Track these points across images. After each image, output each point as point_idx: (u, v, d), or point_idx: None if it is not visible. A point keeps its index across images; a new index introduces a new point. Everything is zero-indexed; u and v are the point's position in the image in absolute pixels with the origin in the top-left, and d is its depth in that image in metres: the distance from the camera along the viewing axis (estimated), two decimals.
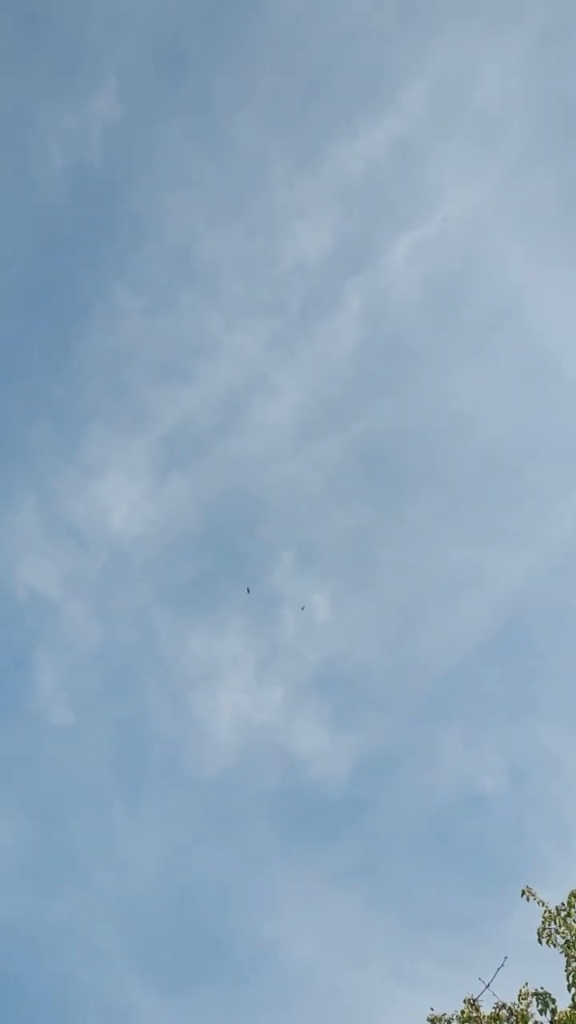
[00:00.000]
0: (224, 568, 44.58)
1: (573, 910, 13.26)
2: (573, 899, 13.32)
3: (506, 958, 10.50)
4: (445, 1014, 11.70)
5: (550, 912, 13.34)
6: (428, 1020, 12.19)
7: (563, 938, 13.13)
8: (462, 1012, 10.77)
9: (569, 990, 12.60)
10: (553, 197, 44.47)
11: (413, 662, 41.65)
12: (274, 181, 47.78)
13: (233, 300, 46.82)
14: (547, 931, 13.31)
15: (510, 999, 12.71)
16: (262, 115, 48.09)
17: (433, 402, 46.61)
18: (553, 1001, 12.62)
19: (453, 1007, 12.22)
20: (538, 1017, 12.63)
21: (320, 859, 36.59)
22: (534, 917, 13.52)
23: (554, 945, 13.23)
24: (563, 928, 13.20)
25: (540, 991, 12.68)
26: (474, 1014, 10.72)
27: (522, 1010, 12.59)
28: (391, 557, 44.16)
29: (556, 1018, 12.50)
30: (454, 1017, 11.45)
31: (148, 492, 44.86)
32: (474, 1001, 10.74)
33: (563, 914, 13.25)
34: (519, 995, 12.95)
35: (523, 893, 13.63)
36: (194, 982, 34.35)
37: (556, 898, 13.65)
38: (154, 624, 41.94)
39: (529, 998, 12.74)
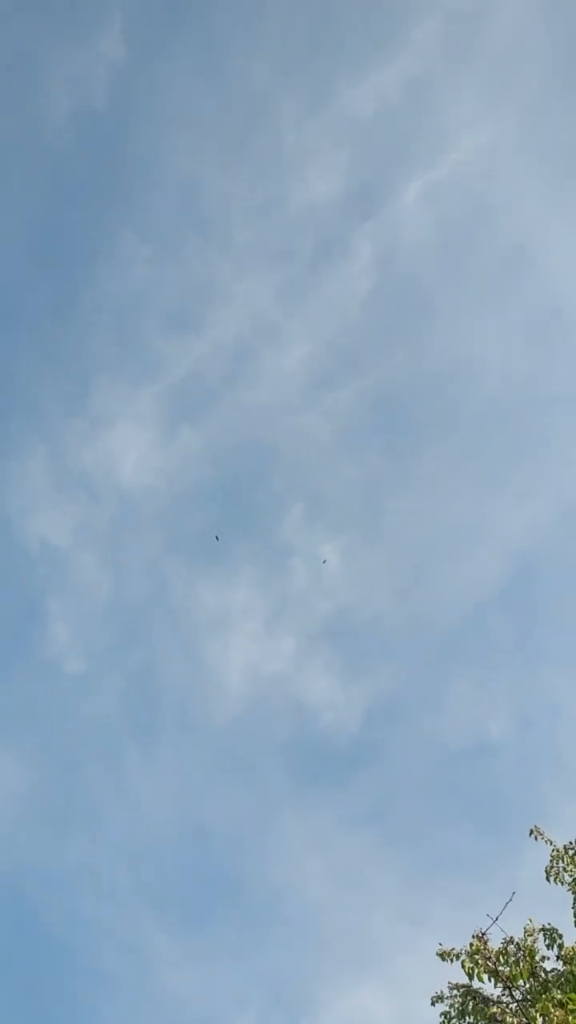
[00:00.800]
0: (234, 519, 44.67)
1: None
2: None
3: (514, 893, 10.65)
4: (454, 948, 11.88)
5: (558, 851, 13.49)
6: (437, 955, 12.37)
7: (570, 876, 13.29)
8: (471, 945, 10.92)
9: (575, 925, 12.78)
10: (570, 138, 43.70)
11: (422, 612, 41.84)
12: (283, 123, 47.02)
13: (242, 246, 46.31)
14: (555, 869, 13.47)
15: (518, 936, 12.90)
16: (270, 55, 47.24)
17: (445, 350, 46.24)
18: (560, 937, 12.79)
19: (462, 946, 12.40)
20: (545, 952, 12.82)
21: (331, 804, 37.05)
22: (541, 858, 13.69)
23: (561, 883, 13.39)
24: (570, 866, 13.36)
25: (547, 927, 12.84)
26: (482, 948, 10.86)
27: (529, 946, 12.77)
28: (401, 507, 44.14)
29: (562, 953, 12.68)
30: (463, 951, 11.63)
31: (157, 443, 44.79)
32: (483, 935, 10.88)
33: (571, 852, 13.41)
34: (526, 931, 13.14)
35: (531, 832, 13.77)
36: (208, 922, 35.01)
37: (563, 839, 13.82)
38: (165, 574, 42.15)
39: (536, 934, 12.92)
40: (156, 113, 47.84)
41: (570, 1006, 9.79)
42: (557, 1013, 8.96)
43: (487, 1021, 10.72)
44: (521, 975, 11.63)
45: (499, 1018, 9.74)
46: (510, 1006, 11.20)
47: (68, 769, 39.07)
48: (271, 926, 33.68)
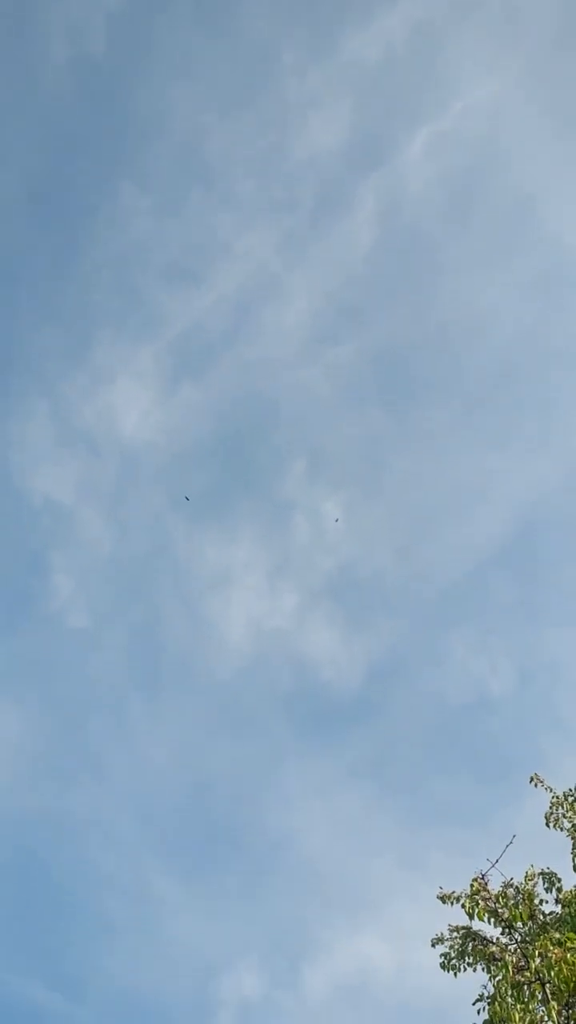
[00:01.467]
0: (236, 475, 44.66)
1: None
2: None
3: (514, 837, 10.85)
4: (454, 891, 12.08)
5: (557, 798, 13.72)
6: (438, 898, 12.59)
7: (569, 822, 13.53)
8: (472, 886, 11.14)
9: (574, 870, 13.01)
10: None
11: (424, 569, 41.95)
12: (285, 71, 46.21)
13: (243, 198, 45.71)
14: (554, 815, 13.71)
15: (517, 880, 13.14)
16: (272, 1, 46.39)
17: (449, 305, 45.85)
18: (559, 881, 13.04)
19: (462, 889, 12.60)
20: (544, 896, 13.06)
21: (332, 756, 37.50)
22: (537, 808, 13.91)
23: (560, 829, 13.64)
24: (569, 812, 13.59)
25: (546, 871, 13.08)
26: (483, 889, 11.07)
27: (528, 889, 13.01)
28: (403, 465, 44.03)
29: (561, 896, 12.93)
30: (463, 895, 11.84)
31: (159, 399, 44.65)
32: (483, 878, 11.09)
33: (570, 799, 13.63)
34: (526, 876, 13.38)
35: (531, 779, 13.99)
36: (211, 869, 35.60)
37: (562, 788, 14.04)
38: (167, 530, 42.27)
39: (536, 878, 13.16)
40: (156, 62, 47.12)
41: (568, 944, 10.02)
42: (555, 951, 9.17)
43: (486, 960, 10.96)
44: (520, 917, 11.86)
45: (498, 956, 9.97)
46: (509, 946, 11.44)
47: (73, 722, 39.57)
48: (272, 873, 34.29)
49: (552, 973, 8.93)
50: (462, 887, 12.83)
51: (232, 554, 42.37)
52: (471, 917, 11.09)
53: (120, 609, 42.20)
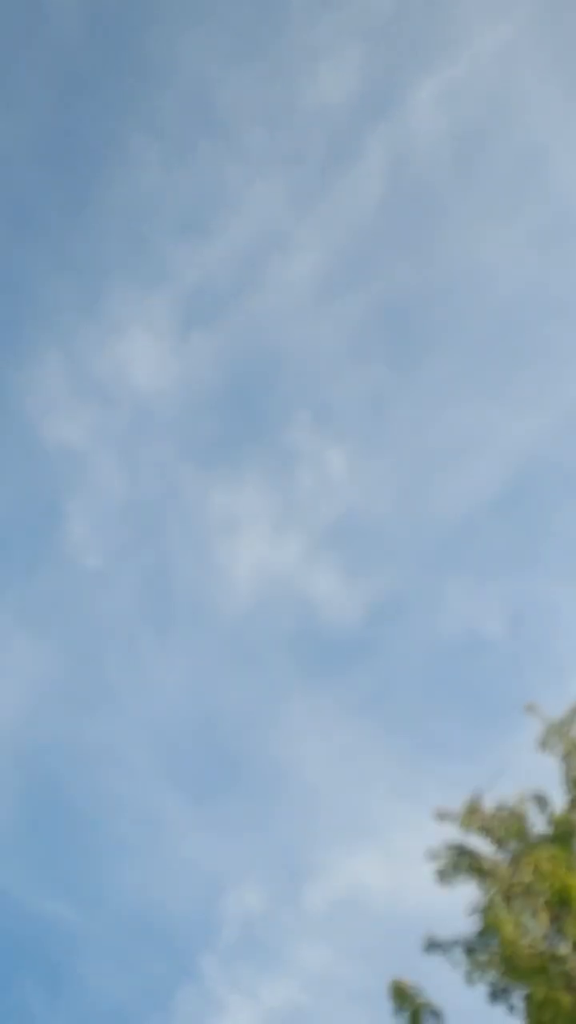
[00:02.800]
0: (244, 425, 44.96)
1: (573, 724, 14.29)
2: (573, 716, 14.33)
3: (505, 765, 11.44)
4: (451, 809, 12.71)
5: (553, 725, 14.37)
6: (435, 816, 13.25)
7: (563, 748, 14.19)
8: (468, 804, 11.79)
9: (569, 792, 13.70)
10: None
11: (424, 517, 42.40)
12: (295, 16, 45.45)
13: (252, 150, 45.20)
14: (548, 742, 14.37)
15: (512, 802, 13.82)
16: None
17: (456, 258, 45.47)
18: (547, 803, 13.71)
19: (457, 808, 13.24)
20: (535, 818, 13.76)
21: (333, 693, 38.45)
22: (527, 742, 14.56)
23: (554, 754, 14.31)
24: (563, 738, 14.25)
25: (538, 794, 13.75)
26: (477, 807, 11.72)
27: (520, 811, 13.70)
28: (406, 416, 44.10)
29: (551, 818, 13.62)
30: (459, 812, 12.45)
31: (170, 350, 44.74)
32: (478, 796, 11.73)
33: (563, 727, 14.27)
34: (519, 799, 14.08)
35: (527, 708, 14.62)
36: (218, 796, 36.89)
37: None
38: (177, 477, 42.80)
39: (528, 800, 13.84)
40: (165, 9, 46.37)
41: (556, 858, 10.68)
42: (547, 865, 9.82)
43: (479, 874, 11.64)
44: (512, 835, 12.57)
45: (491, 869, 10.65)
46: (501, 862, 12.13)
47: (88, 657, 40.78)
48: (275, 800, 35.50)
49: (545, 885, 9.56)
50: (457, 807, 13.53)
51: (239, 501, 42.99)
52: (465, 830, 11.75)
53: (132, 551, 43.09)
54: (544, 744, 14.33)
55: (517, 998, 11.37)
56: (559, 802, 13.90)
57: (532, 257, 43.98)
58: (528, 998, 10.24)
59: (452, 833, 13.12)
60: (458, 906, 13.20)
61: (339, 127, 44.48)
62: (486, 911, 10.26)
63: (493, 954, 10.55)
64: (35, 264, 45.68)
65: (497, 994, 11.82)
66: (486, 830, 11.86)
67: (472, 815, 11.64)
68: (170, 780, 36.58)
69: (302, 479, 43.25)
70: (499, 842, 13.64)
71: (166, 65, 45.46)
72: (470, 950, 11.72)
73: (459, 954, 11.89)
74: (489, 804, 13.50)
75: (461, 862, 12.89)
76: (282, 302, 44.83)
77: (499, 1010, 11.70)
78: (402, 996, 10.35)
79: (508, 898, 10.22)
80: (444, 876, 12.95)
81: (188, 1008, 29.78)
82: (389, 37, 44.23)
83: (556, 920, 10.43)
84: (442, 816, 13.15)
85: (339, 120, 44.48)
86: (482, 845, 13.28)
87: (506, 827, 12.15)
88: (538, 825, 13.74)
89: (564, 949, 10.49)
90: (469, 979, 10.75)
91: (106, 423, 44.04)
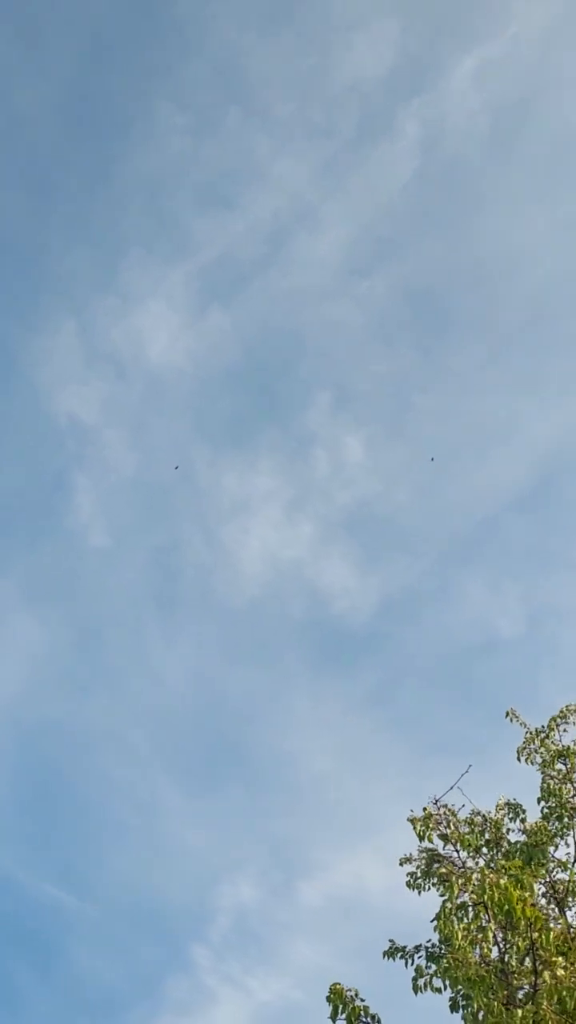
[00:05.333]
0: (260, 405, 44.59)
1: (552, 733, 14.12)
2: (552, 723, 14.16)
3: (470, 766, 11.30)
4: (416, 815, 12.55)
5: (531, 733, 14.21)
6: (408, 820, 13.13)
7: (540, 757, 14.02)
8: (424, 810, 11.67)
9: (538, 803, 13.54)
10: None
11: (444, 508, 41.98)
12: None
13: (281, 121, 44.54)
14: (527, 750, 14.21)
15: (486, 809, 13.68)
16: None
17: (488, 241, 44.91)
18: (524, 811, 13.56)
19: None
20: (510, 825, 13.62)
21: (340, 685, 38.27)
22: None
23: (532, 763, 14.15)
24: (541, 748, 14.08)
25: (512, 802, 13.61)
26: (435, 813, 11.59)
27: (497, 820, 13.56)
28: (429, 403, 43.55)
29: (526, 827, 13.47)
30: (418, 818, 12.26)
31: (187, 324, 44.34)
32: (436, 803, 11.60)
33: (541, 736, 14.10)
34: (497, 806, 13.94)
35: (507, 714, 14.47)
36: (218, 786, 36.81)
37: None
38: (190, 456, 42.42)
39: (502, 809, 13.70)
40: None
41: (511, 871, 10.54)
42: (491, 876, 9.69)
43: (440, 881, 11.52)
44: (469, 841, 12.44)
45: (446, 878, 10.54)
46: (461, 869, 12.01)
47: (92, 637, 40.57)
48: (276, 793, 35.41)
49: (486, 896, 9.44)
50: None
51: (253, 483, 42.62)
52: (420, 839, 11.63)
53: (140, 531, 42.76)
54: (523, 753, 14.21)
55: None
56: (533, 812, 13.82)
57: (568, 243, 43.26)
58: (467, 1008, 10.14)
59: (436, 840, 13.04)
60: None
61: (372, 101, 43.86)
62: (440, 920, 10.14)
63: (446, 963, 10.43)
64: (54, 231, 45.28)
65: (456, 1004, 11.73)
66: (443, 836, 11.72)
67: (427, 822, 11.50)
68: (170, 767, 36.59)
69: (318, 464, 42.90)
70: (474, 850, 13.55)
71: (196, 32, 44.81)
72: (431, 957, 11.63)
73: (421, 961, 11.80)
74: (466, 811, 13.44)
75: (431, 869, 12.80)
76: (306, 280, 44.33)
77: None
78: (340, 1000, 10.27)
79: (462, 906, 10.09)
80: (415, 882, 12.87)
81: (178, 997, 29.85)
82: (428, 11, 43.59)
83: (504, 929, 10.31)
84: (414, 821, 13.05)
85: (373, 94, 43.84)
86: (462, 853, 13.21)
87: (468, 836, 12.01)
88: (513, 831, 13.68)
89: (513, 963, 10.36)
90: (415, 987, 10.65)
91: (118, 397, 43.73)
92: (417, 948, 11.71)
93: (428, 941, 11.70)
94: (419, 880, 12.80)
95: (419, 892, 12.84)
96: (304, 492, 42.67)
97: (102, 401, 43.67)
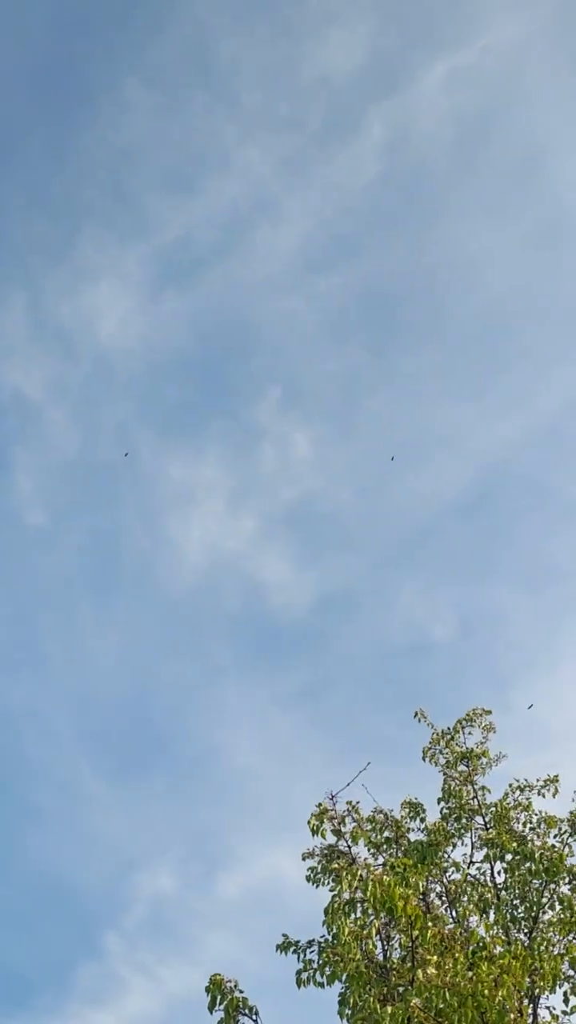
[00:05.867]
0: (209, 395, 44.26)
1: (457, 735, 14.30)
2: (459, 725, 14.34)
3: (368, 763, 11.39)
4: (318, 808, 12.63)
5: (437, 734, 14.37)
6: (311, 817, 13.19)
7: (444, 758, 14.19)
8: (318, 806, 11.75)
9: (438, 803, 13.71)
10: None
11: (386, 511, 42.07)
12: None
13: (249, 109, 44.14)
14: (432, 751, 14.38)
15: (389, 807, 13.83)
16: None
17: (445, 250, 44.95)
18: (424, 811, 13.72)
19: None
20: (411, 824, 13.77)
21: (271, 680, 38.35)
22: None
23: (436, 764, 14.32)
24: (447, 749, 14.25)
25: (413, 801, 13.75)
26: (329, 810, 11.68)
27: (398, 819, 13.71)
28: (378, 405, 43.56)
29: (426, 826, 13.64)
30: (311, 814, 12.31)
31: (141, 306, 43.91)
32: (331, 799, 11.68)
33: (447, 737, 14.27)
34: (401, 804, 14.09)
35: (416, 715, 14.62)
36: (142, 773, 36.75)
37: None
38: (135, 441, 41.97)
39: (404, 808, 13.85)
40: None
41: (397, 868, 10.67)
42: (375, 873, 9.79)
43: (332, 875, 11.61)
44: (368, 837, 12.60)
45: (338, 874, 10.62)
46: (351, 865, 12.13)
47: (21, 616, 40.17)
48: (201, 784, 35.42)
49: (369, 892, 9.54)
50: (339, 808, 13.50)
51: (197, 473, 42.44)
52: (314, 834, 11.72)
53: (79, 512, 42.23)
54: (427, 753, 14.37)
55: None
56: (433, 812, 13.98)
57: (524, 257, 43.66)
58: (344, 1002, 10.25)
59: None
60: None
61: (341, 98, 43.72)
62: (328, 915, 10.22)
63: (325, 959, 10.53)
64: (10, 198, 44.50)
65: (345, 999, 11.84)
66: (336, 832, 11.82)
67: (321, 818, 11.58)
68: (93, 752, 36.43)
69: (264, 458, 42.88)
70: (375, 847, 13.69)
71: (168, 9, 44.26)
72: (322, 951, 11.72)
73: (312, 955, 11.89)
74: (368, 809, 13.56)
75: (329, 864, 12.90)
76: (263, 272, 44.16)
77: None
78: (219, 991, 10.33)
79: (350, 902, 10.18)
80: (313, 876, 12.97)
81: (88, 984, 29.76)
82: (403, 13, 43.56)
83: (388, 925, 10.44)
84: (317, 816, 13.12)
85: (342, 91, 43.72)
86: (364, 851, 13.34)
87: (358, 832, 12.14)
88: (414, 830, 13.83)
89: (394, 960, 10.49)
90: (298, 981, 10.73)
91: (65, 375, 43.20)
92: (310, 943, 11.80)
93: (321, 936, 11.82)
94: (318, 875, 12.91)
95: (317, 886, 12.96)
96: (249, 485, 42.64)
97: (48, 378, 43.13)
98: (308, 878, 13.01)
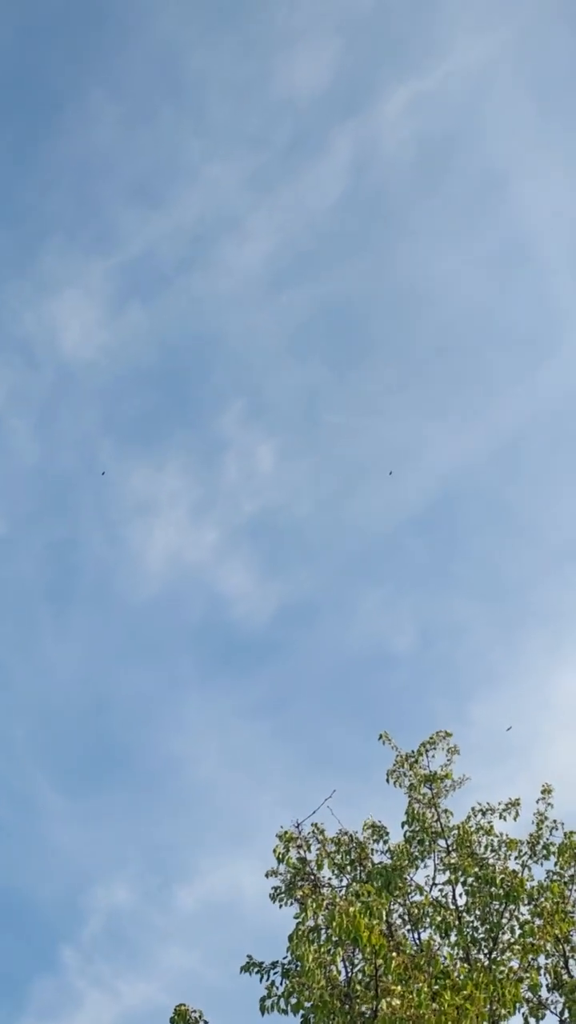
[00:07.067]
0: (173, 407, 44.35)
1: (421, 757, 14.49)
2: (423, 748, 14.52)
3: (334, 791, 11.53)
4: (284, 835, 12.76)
5: (401, 757, 14.55)
6: (276, 836, 13.30)
7: (408, 780, 14.37)
8: (284, 831, 11.90)
9: (402, 826, 13.88)
10: (567, 67, 42.07)
11: (346, 524, 42.34)
12: None
13: (215, 124, 44.29)
14: (396, 773, 14.55)
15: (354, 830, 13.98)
16: None
17: (406, 270, 45.22)
18: (387, 833, 13.89)
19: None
20: (374, 846, 13.94)
21: (232, 692, 38.42)
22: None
23: (400, 786, 14.49)
24: (411, 772, 14.43)
25: (377, 823, 13.93)
26: (293, 835, 11.82)
27: (362, 840, 13.87)
28: (339, 420, 43.84)
29: (388, 848, 13.81)
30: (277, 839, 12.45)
31: (104, 318, 43.84)
32: (298, 824, 11.83)
33: (410, 761, 14.46)
34: (364, 826, 14.25)
35: (380, 737, 14.79)
36: (100, 785, 36.64)
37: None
38: (96, 452, 41.94)
39: (369, 829, 14.02)
40: None
41: (362, 896, 10.81)
42: (341, 903, 9.90)
43: (297, 901, 11.76)
44: (334, 860, 12.75)
45: (301, 899, 10.76)
46: (323, 887, 12.28)
47: None
48: (160, 797, 35.40)
49: (335, 923, 9.65)
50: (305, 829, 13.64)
51: (160, 484, 42.48)
52: (279, 861, 11.85)
53: (39, 522, 42.11)
54: (392, 775, 14.54)
55: None
56: (396, 834, 14.17)
57: (483, 280, 44.15)
58: None
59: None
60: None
61: (308, 116, 44.00)
62: (292, 942, 10.33)
63: (289, 988, 10.66)
64: None
65: (308, 1022, 11.98)
66: (303, 861, 11.97)
67: (288, 845, 11.73)
68: (50, 763, 36.25)
69: (227, 470, 43.01)
70: (339, 869, 13.84)
71: (136, 20, 44.08)
72: (286, 974, 11.84)
73: (276, 977, 12.00)
74: (332, 830, 13.71)
75: (293, 885, 13.03)
76: (227, 286, 44.30)
77: None
78: (184, 1021, 10.44)
79: (314, 928, 10.30)
80: (277, 895, 13.09)
81: (43, 998, 29.62)
82: (370, 35, 43.91)
83: (352, 958, 10.57)
84: (282, 838, 13.24)
85: (309, 109, 43.98)
86: (328, 872, 13.48)
87: (322, 855, 12.30)
88: (377, 852, 14.00)
89: (358, 988, 10.63)
90: (262, 1008, 10.85)
91: (26, 385, 43.15)
92: (274, 964, 11.91)
93: (285, 958, 11.94)
94: (282, 895, 13.04)
95: (280, 906, 13.10)
96: (211, 497, 42.76)
97: (8, 387, 43.03)
98: (272, 896, 13.14)
